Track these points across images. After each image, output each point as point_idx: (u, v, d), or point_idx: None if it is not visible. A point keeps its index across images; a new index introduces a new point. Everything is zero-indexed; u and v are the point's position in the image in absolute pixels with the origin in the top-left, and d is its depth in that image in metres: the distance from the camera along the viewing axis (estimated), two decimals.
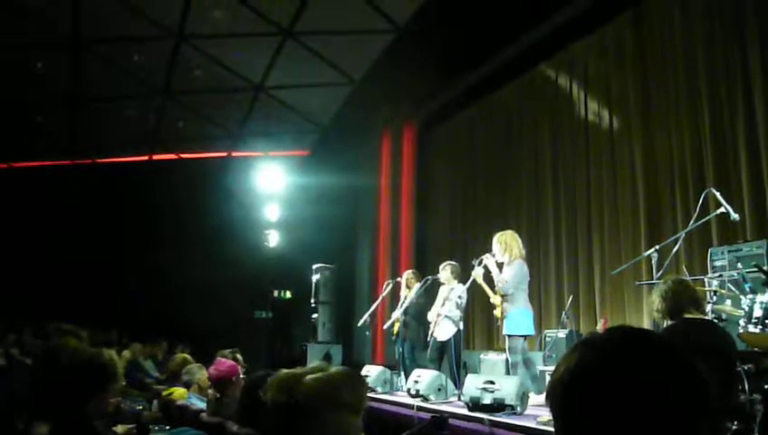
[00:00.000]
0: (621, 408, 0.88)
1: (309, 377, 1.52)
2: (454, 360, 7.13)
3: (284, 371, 1.61)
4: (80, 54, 10.67)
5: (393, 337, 8.37)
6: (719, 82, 7.38)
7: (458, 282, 7.56)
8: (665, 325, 3.89)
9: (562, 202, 9.68)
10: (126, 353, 10.39)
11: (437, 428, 2.63)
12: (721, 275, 5.59)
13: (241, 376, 4.27)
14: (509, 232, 6.84)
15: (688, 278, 4.84)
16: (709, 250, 6.34)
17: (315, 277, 12.05)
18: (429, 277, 7.94)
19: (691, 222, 5.57)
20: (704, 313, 3.99)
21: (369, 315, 8.57)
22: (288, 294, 15.50)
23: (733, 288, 5.21)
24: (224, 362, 4.37)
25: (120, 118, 12.66)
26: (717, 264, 6.06)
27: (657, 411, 0.88)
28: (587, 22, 9.15)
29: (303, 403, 1.48)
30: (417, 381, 6.59)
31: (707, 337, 3.71)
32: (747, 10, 7.08)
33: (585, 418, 0.91)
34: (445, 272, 7.68)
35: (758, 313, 4.43)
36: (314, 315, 11.82)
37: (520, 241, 6.74)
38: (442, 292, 7.72)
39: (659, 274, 5.27)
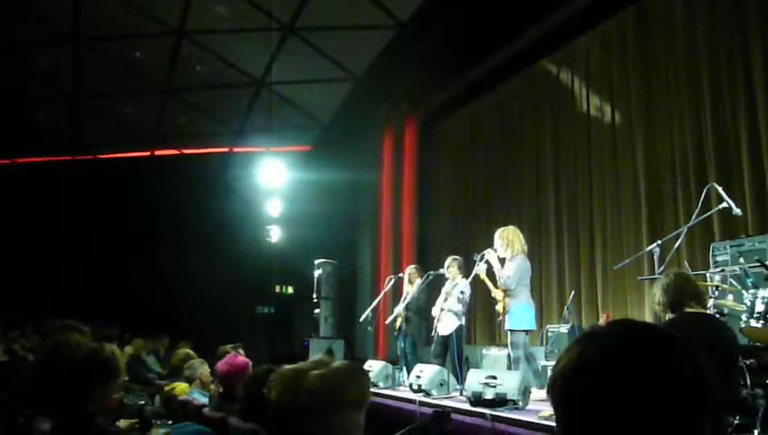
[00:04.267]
0: (623, 402, 0.88)
1: (313, 374, 1.50)
2: (456, 354, 7.14)
3: (287, 367, 1.59)
4: (81, 51, 10.67)
5: (395, 332, 8.38)
6: (721, 78, 7.36)
7: (462, 276, 7.56)
8: (667, 319, 3.89)
9: (564, 197, 9.66)
10: (128, 349, 10.41)
11: (439, 423, 2.62)
12: (723, 270, 5.58)
13: None
14: (511, 227, 6.85)
15: (690, 272, 4.83)
16: (711, 245, 6.33)
17: (317, 273, 12.04)
18: (431, 272, 7.94)
19: (693, 217, 5.56)
20: (705, 307, 3.98)
21: (371, 311, 8.58)
22: (290, 290, 15.51)
23: (735, 283, 5.20)
24: (237, 356, 4.32)
25: (121, 114, 12.68)
26: (719, 259, 6.06)
27: (660, 406, 0.88)
28: (589, 17, 9.13)
29: (308, 403, 1.46)
30: (418, 377, 6.60)
31: (708, 331, 3.70)
32: (749, 5, 7.06)
33: (586, 412, 0.90)
34: (452, 268, 7.67)
35: (760, 307, 4.42)
36: (316, 311, 11.81)
37: (522, 237, 6.75)
38: (445, 287, 7.73)
39: (661, 269, 5.26)
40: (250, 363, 4.22)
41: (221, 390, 4.19)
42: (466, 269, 7.44)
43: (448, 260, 7.78)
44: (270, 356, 12.59)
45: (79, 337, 3.08)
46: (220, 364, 4.18)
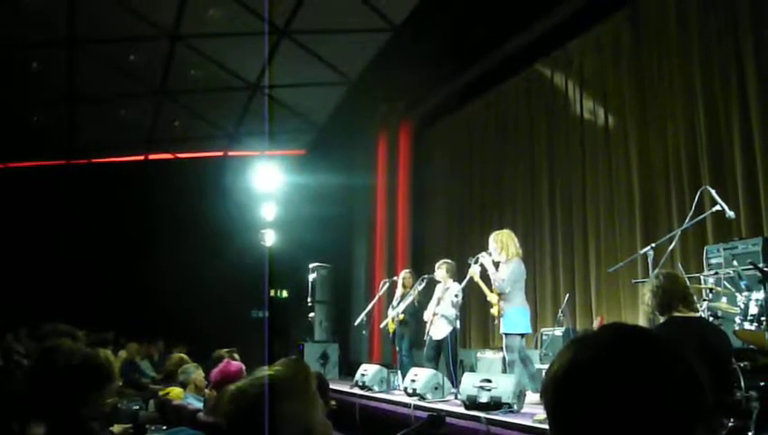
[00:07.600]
0: (615, 406, 0.88)
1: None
2: (450, 358, 7.14)
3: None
4: (76, 54, 10.64)
5: (390, 335, 8.38)
6: (714, 81, 7.40)
7: (454, 280, 7.56)
8: (661, 321, 3.89)
9: (558, 200, 9.69)
10: (122, 353, 10.39)
11: (434, 426, 2.62)
12: (717, 273, 5.60)
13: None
14: (505, 231, 6.87)
15: (683, 275, 4.84)
16: (705, 248, 6.35)
17: (312, 276, 12.04)
18: (426, 276, 7.94)
19: (686, 220, 5.57)
20: (695, 310, 3.98)
21: (366, 315, 8.58)
22: (285, 294, 15.49)
23: (728, 286, 5.22)
24: (230, 363, 4.30)
25: (116, 118, 12.64)
26: (713, 261, 6.07)
27: (652, 409, 0.88)
28: (583, 20, 9.16)
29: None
30: (413, 380, 6.60)
31: (699, 334, 3.71)
32: (742, 8, 7.09)
33: (578, 416, 0.90)
34: (440, 270, 7.68)
35: (754, 310, 4.44)
36: (311, 315, 11.81)
37: (516, 240, 6.76)
38: (437, 291, 7.73)
39: (655, 272, 5.27)
40: (244, 369, 4.20)
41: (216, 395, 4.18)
42: (460, 272, 7.44)
43: (438, 263, 7.79)
44: (265, 361, 12.55)
45: (72, 342, 3.07)
46: (213, 373, 4.17)
